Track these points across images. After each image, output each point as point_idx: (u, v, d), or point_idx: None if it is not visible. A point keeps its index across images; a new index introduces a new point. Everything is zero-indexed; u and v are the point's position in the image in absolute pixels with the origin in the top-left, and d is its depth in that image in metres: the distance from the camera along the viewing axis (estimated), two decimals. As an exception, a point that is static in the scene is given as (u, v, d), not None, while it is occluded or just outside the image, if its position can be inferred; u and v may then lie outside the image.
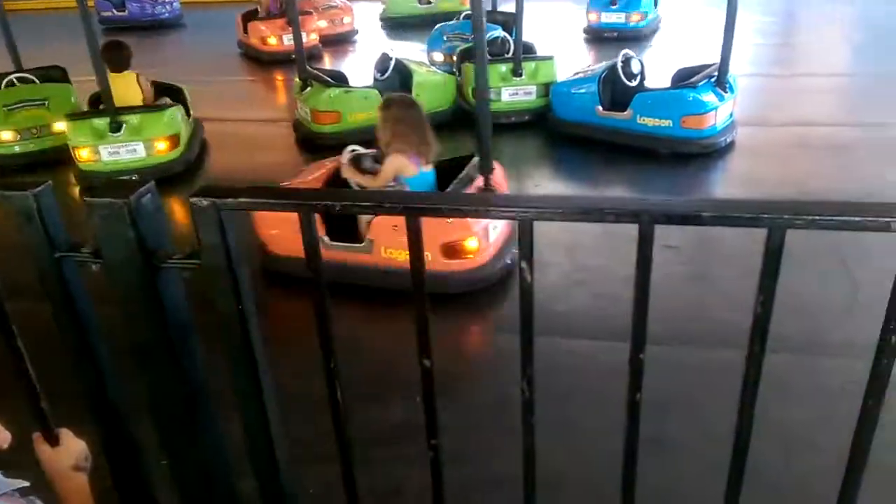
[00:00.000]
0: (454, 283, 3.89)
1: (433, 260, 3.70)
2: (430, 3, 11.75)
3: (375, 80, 6.78)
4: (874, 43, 9.51)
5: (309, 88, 6.42)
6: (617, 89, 6.16)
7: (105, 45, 5.87)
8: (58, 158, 6.07)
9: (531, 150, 6.45)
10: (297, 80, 6.63)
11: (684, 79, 5.90)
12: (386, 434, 2.89)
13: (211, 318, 1.28)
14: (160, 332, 1.31)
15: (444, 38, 8.67)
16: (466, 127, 6.73)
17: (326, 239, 3.93)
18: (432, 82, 6.83)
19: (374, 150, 4.18)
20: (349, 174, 4.13)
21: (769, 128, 6.52)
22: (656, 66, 6.81)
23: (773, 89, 7.88)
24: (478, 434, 2.87)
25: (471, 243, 3.86)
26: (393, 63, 6.78)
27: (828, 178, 5.31)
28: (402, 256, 3.69)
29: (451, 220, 3.57)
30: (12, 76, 6.67)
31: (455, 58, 7.40)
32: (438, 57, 8.58)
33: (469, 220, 3.71)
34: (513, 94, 6.67)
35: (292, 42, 9.98)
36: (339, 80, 6.65)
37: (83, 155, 5.70)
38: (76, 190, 5.84)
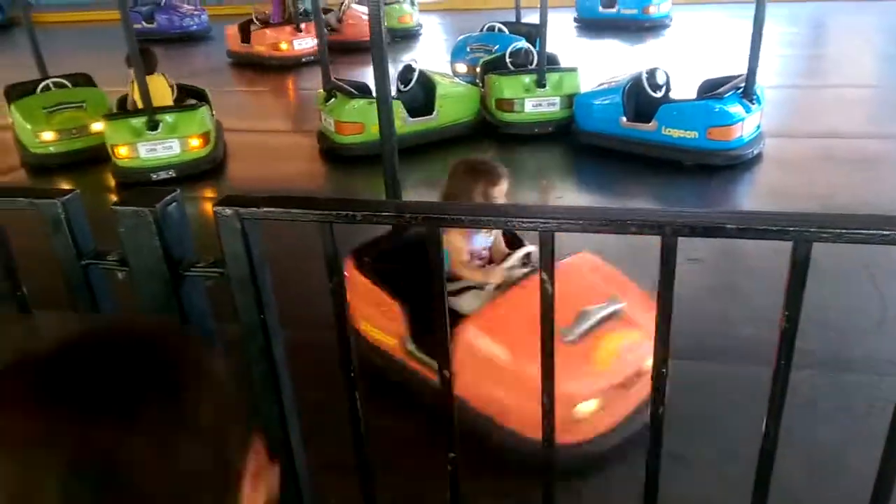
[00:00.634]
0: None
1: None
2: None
3: (399, 90, 6.82)
4: (903, 54, 9.37)
5: (333, 99, 6.47)
6: (641, 100, 6.12)
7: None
8: (93, 157, 6.39)
9: (554, 161, 6.43)
10: (320, 90, 6.69)
11: (710, 90, 5.85)
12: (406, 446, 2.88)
13: (234, 327, 1.29)
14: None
15: (468, 50, 8.71)
16: (490, 137, 6.77)
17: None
18: (455, 93, 6.85)
19: None
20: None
21: (796, 139, 6.44)
22: (681, 79, 6.77)
23: (800, 100, 7.79)
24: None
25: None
26: (416, 74, 6.81)
27: (855, 190, 5.22)
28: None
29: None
30: (48, 81, 6.97)
31: (478, 69, 7.42)
32: (462, 68, 8.61)
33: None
34: (536, 105, 6.66)
35: (301, 47, 10.51)
36: (362, 90, 6.70)
37: (122, 152, 5.99)
38: (110, 186, 6.10)
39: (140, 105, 5.93)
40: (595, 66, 8.43)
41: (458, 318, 2.79)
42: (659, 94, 6.12)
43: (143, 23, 13.27)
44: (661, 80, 6.17)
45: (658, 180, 5.70)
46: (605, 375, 2.59)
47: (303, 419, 1.46)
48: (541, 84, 6.62)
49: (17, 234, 1.40)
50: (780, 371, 1.13)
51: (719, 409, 3.00)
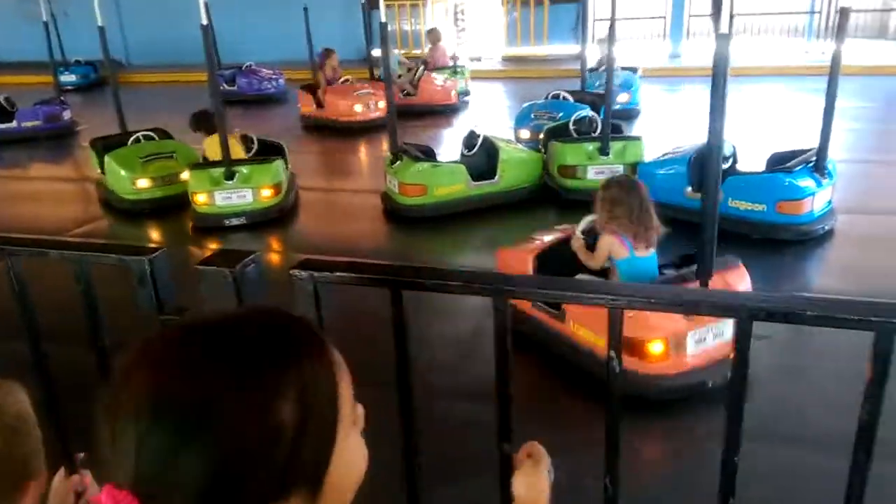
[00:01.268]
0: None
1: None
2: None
3: (462, 155, 6.96)
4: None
5: (399, 162, 6.65)
6: (707, 172, 6.05)
7: (201, 113, 7.12)
8: (177, 203, 6.92)
9: (616, 229, 6.38)
10: (388, 153, 6.89)
11: (779, 163, 5.76)
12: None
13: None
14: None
15: (532, 116, 8.84)
16: (552, 204, 6.78)
17: None
18: (518, 159, 6.94)
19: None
20: (577, 245, 3.98)
21: (870, 216, 6.22)
22: (745, 152, 6.68)
23: (873, 176, 7.56)
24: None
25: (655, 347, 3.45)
26: (481, 139, 6.94)
27: (936, 271, 4.99)
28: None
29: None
30: (138, 134, 7.66)
31: (542, 135, 7.51)
32: (525, 134, 8.72)
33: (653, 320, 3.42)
34: (599, 172, 6.67)
35: (368, 112, 10.65)
36: (428, 154, 6.86)
37: (200, 199, 6.52)
38: (187, 231, 6.65)
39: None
40: (659, 135, 8.43)
41: None
42: (725, 166, 6.05)
43: (225, 85, 14.01)
44: (727, 151, 6.11)
45: (724, 254, 5.56)
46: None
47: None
48: (604, 152, 6.65)
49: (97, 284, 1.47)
50: (858, 464, 1.08)
51: (787, 498, 2.85)
